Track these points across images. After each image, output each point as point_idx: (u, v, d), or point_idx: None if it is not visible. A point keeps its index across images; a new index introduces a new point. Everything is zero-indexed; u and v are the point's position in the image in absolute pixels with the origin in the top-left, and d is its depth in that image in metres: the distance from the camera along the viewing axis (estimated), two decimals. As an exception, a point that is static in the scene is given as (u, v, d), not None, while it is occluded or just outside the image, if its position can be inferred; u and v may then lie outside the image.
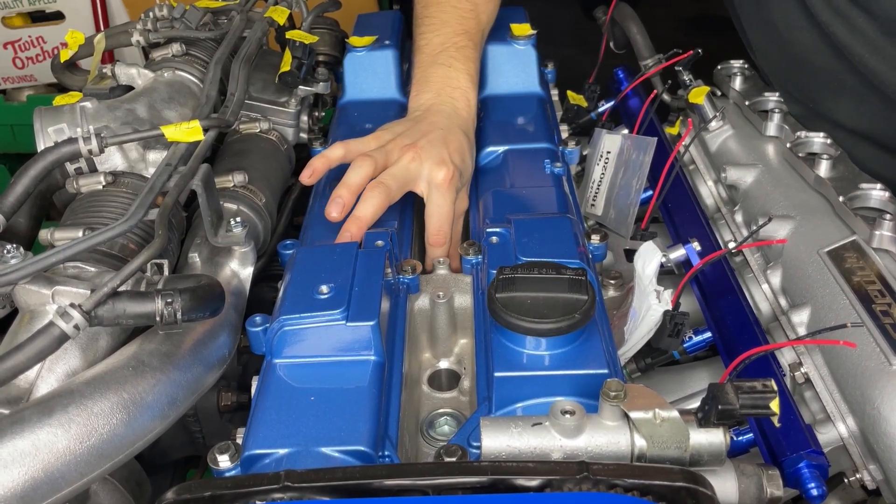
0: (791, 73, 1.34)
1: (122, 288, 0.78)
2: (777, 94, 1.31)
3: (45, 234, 0.93)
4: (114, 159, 1.03)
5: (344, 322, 0.80)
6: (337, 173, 1.08)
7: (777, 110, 1.24)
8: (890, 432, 0.80)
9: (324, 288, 0.84)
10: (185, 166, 0.93)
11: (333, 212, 1.00)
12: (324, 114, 1.42)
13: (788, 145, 1.18)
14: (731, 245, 1.05)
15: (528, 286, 0.80)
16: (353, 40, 1.36)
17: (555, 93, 1.50)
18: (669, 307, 0.92)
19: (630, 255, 1.18)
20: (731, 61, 1.43)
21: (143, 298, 0.78)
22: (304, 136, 1.32)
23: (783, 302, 1.03)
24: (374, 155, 1.05)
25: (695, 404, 0.78)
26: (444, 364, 0.93)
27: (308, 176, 1.07)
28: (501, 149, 1.20)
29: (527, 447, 0.67)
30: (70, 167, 1.01)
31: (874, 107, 1.26)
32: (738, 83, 1.37)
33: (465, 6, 1.29)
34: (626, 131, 1.39)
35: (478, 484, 0.59)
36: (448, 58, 1.23)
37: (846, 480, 0.86)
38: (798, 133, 1.19)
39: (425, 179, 1.05)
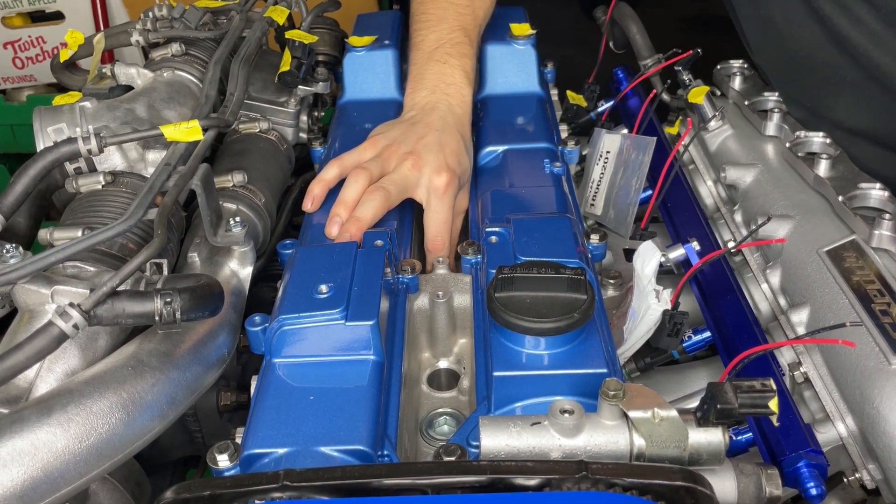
0: (790, 70, 1.34)
1: (122, 287, 0.78)
2: (776, 94, 1.31)
3: (44, 234, 0.93)
4: (113, 159, 1.03)
5: (343, 322, 0.80)
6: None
7: (776, 110, 1.24)
8: (889, 432, 0.80)
9: (323, 287, 0.84)
10: (185, 166, 0.93)
11: (333, 230, 1.01)
12: (323, 114, 1.42)
13: (788, 145, 1.18)
14: (731, 245, 1.05)
15: (528, 286, 0.80)
16: (353, 40, 1.36)
17: (554, 93, 1.50)
18: (668, 307, 0.92)
19: (629, 254, 1.18)
20: (731, 61, 1.43)
21: (142, 298, 0.78)
22: (303, 135, 1.32)
23: (782, 301, 1.03)
24: (369, 167, 1.05)
25: (694, 404, 0.78)
26: (443, 363, 0.93)
27: (309, 204, 1.07)
28: (501, 148, 1.20)
29: (526, 446, 0.67)
30: (69, 167, 1.01)
31: (875, 101, 1.26)
32: (737, 83, 1.38)
33: (462, 2, 1.29)
34: (625, 131, 1.39)
35: (477, 483, 0.59)
36: (444, 54, 1.23)
37: (845, 480, 0.86)
38: (797, 133, 1.19)
39: (424, 186, 1.06)
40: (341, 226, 1.00)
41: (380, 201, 1.01)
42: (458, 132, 1.14)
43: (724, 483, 0.71)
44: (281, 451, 0.70)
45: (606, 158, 1.26)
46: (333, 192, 1.07)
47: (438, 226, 1.05)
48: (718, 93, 1.42)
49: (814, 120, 1.28)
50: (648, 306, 0.92)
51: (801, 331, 0.96)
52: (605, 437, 0.67)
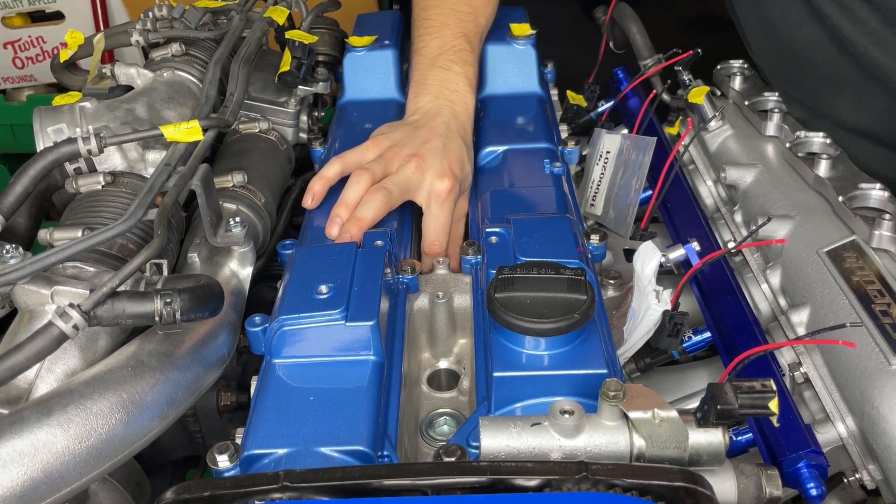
0: (790, 71, 1.34)
1: (122, 288, 0.78)
2: (776, 94, 1.31)
3: (44, 234, 0.93)
4: (113, 159, 1.03)
5: (343, 322, 0.80)
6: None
7: (776, 110, 1.24)
8: (889, 432, 0.80)
9: (323, 288, 0.84)
10: (185, 166, 0.93)
11: (333, 231, 1.01)
12: (323, 114, 1.42)
13: (788, 145, 1.18)
14: (731, 245, 1.05)
15: (528, 286, 0.80)
16: (353, 40, 1.36)
17: (554, 93, 1.50)
18: (669, 307, 0.92)
19: (629, 254, 1.18)
20: (731, 61, 1.43)
21: (142, 298, 0.78)
22: (303, 135, 1.32)
23: (782, 302, 1.03)
24: (371, 167, 1.05)
25: (694, 404, 0.78)
26: (443, 364, 0.93)
27: (310, 201, 1.07)
28: (501, 149, 1.20)
29: (526, 447, 0.67)
30: (69, 167, 1.01)
31: (875, 101, 1.26)
32: (737, 83, 1.37)
33: (464, 9, 1.29)
34: (625, 131, 1.39)
35: (477, 484, 0.59)
36: (446, 61, 1.23)
37: (845, 480, 0.86)
38: (797, 133, 1.19)
39: (426, 190, 1.06)
40: (342, 226, 1.00)
41: (381, 202, 1.01)
42: (461, 138, 1.14)
43: (724, 484, 0.71)
44: (281, 451, 0.70)
45: (606, 158, 1.26)
46: (334, 191, 1.07)
47: (437, 231, 1.05)
48: (718, 93, 1.42)
49: (814, 120, 1.28)
50: (648, 307, 0.92)
51: (801, 331, 0.96)
52: (605, 437, 0.67)
